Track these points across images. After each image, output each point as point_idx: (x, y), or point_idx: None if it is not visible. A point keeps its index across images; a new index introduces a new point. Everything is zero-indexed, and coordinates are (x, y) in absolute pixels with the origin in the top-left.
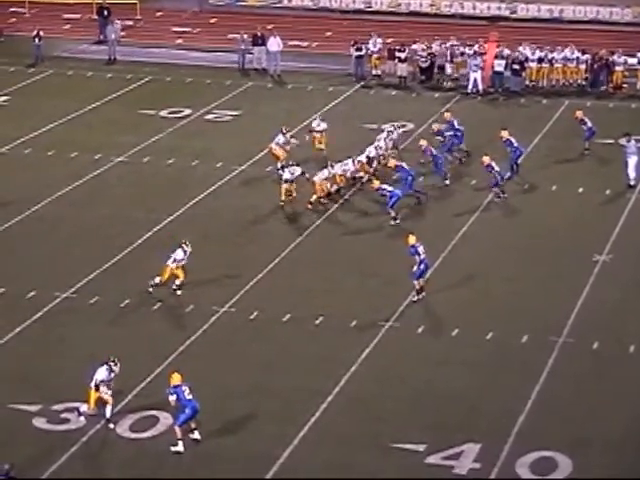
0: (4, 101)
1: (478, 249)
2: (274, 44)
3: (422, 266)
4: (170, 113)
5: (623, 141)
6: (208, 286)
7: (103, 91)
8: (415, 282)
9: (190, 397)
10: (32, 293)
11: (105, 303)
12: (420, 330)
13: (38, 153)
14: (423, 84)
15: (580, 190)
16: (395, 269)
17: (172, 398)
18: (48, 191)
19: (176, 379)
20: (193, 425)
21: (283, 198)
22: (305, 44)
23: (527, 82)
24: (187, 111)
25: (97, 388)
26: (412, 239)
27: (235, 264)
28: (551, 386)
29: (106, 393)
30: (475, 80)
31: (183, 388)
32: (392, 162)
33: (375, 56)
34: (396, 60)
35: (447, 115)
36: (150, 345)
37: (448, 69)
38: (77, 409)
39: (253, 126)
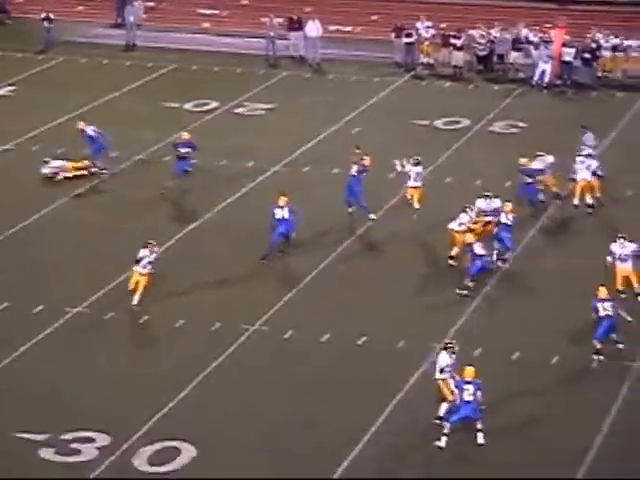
0: (10, 91)
1: (540, 263)
2: (313, 29)
3: (605, 324)
4: (196, 106)
5: (583, 138)
6: (237, 301)
7: (121, 81)
8: (596, 342)
9: (470, 399)
10: (39, 307)
11: (121, 319)
12: (477, 353)
13: (48, 149)
14: (481, 75)
15: None
16: (445, 288)
17: (455, 390)
18: (60, 191)
19: (468, 374)
20: (479, 426)
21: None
22: (348, 29)
23: (599, 73)
24: (214, 104)
25: (442, 371)
26: (603, 292)
27: (267, 277)
28: (625, 417)
29: (448, 386)
30: (543, 71)
31: (466, 387)
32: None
33: (427, 43)
34: (451, 48)
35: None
36: (172, 367)
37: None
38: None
39: (289, 121)
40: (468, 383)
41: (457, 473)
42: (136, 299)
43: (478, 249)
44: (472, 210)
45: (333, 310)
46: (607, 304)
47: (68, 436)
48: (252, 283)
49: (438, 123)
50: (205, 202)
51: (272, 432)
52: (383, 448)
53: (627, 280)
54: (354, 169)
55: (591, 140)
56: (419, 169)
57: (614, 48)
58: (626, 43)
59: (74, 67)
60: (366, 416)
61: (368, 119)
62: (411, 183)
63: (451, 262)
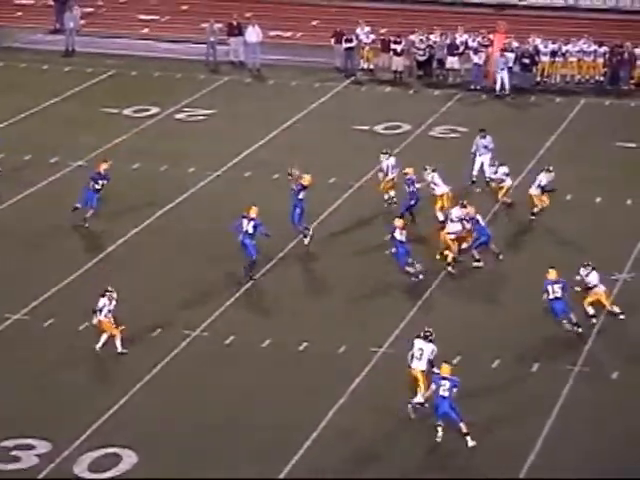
0: None
1: (478, 268)
2: (253, 34)
3: (557, 306)
4: (135, 112)
5: (478, 137)
6: (178, 307)
7: (60, 87)
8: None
9: (445, 394)
10: None
11: (62, 326)
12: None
13: None
14: (421, 80)
15: (598, 200)
16: (385, 292)
17: (432, 387)
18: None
19: (444, 370)
20: (464, 430)
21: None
22: (288, 34)
23: (538, 78)
24: (155, 109)
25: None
26: (552, 274)
27: (209, 282)
28: (565, 420)
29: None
30: (502, 80)
31: (442, 382)
32: None
33: (367, 48)
34: (391, 53)
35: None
36: (112, 373)
37: (455, 63)
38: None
39: (230, 127)
40: (444, 379)
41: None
42: (99, 343)
43: (399, 235)
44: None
45: (274, 316)
46: (557, 286)
47: (8, 443)
48: (193, 288)
49: (378, 128)
50: (147, 207)
51: (213, 437)
52: (325, 453)
53: (597, 302)
54: (297, 193)
55: (491, 143)
56: (392, 161)
57: (553, 53)
58: (564, 48)
59: (13, 73)
60: (309, 421)
61: (308, 124)
62: (389, 176)
63: (450, 269)
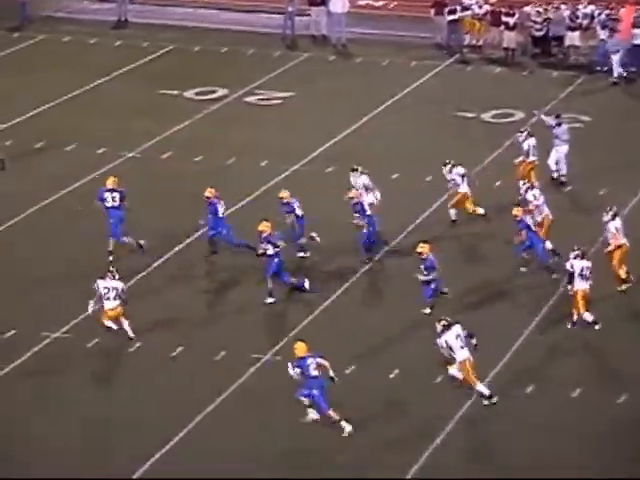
0: None
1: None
2: (338, 3)
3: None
4: (198, 94)
5: (551, 121)
6: (246, 326)
7: (110, 64)
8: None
9: (316, 373)
10: (12, 332)
11: (107, 345)
12: (530, 390)
13: (23, 145)
14: (537, 59)
15: None
16: (511, 309)
17: (296, 371)
18: (32, 199)
19: (301, 349)
20: (336, 416)
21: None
22: (379, 4)
23: None
24: (222, 91)
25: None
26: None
27: (283, 297)
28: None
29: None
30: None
31: (309, 362)
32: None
33: (477, 21)
34: (502, 27)
35: None
36: (167, 403)
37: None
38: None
39: (309, 113)
40: (308, 357)
41: None
42: (129, 331)
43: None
44: None
45: (360, 336)
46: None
47: None
48: (265, 304)
49: (486, 116)
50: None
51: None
52: None
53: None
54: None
55: (565, 134)
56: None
57: None
58: None
59: (55, 47)
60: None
61: (403, 111)
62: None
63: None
